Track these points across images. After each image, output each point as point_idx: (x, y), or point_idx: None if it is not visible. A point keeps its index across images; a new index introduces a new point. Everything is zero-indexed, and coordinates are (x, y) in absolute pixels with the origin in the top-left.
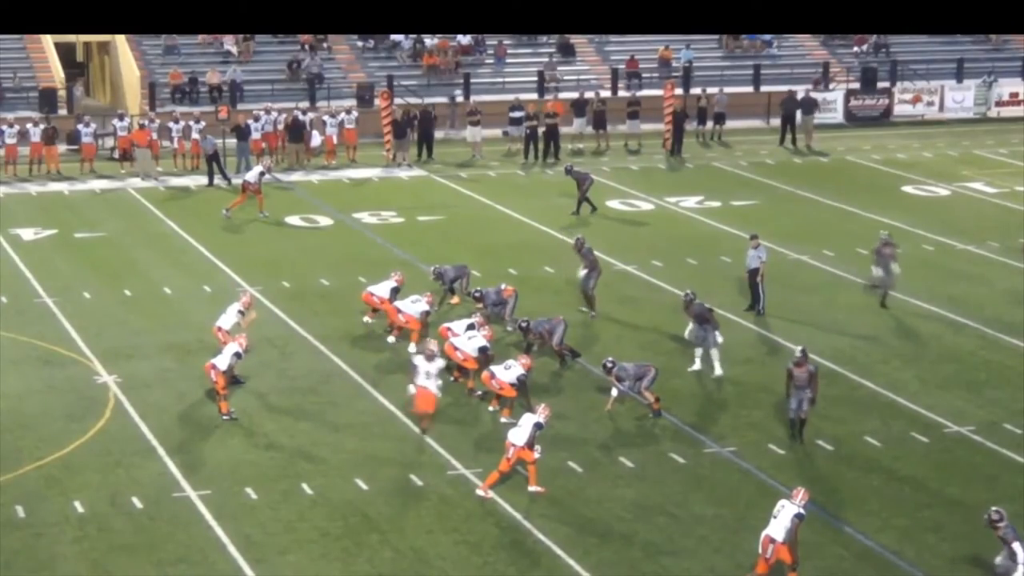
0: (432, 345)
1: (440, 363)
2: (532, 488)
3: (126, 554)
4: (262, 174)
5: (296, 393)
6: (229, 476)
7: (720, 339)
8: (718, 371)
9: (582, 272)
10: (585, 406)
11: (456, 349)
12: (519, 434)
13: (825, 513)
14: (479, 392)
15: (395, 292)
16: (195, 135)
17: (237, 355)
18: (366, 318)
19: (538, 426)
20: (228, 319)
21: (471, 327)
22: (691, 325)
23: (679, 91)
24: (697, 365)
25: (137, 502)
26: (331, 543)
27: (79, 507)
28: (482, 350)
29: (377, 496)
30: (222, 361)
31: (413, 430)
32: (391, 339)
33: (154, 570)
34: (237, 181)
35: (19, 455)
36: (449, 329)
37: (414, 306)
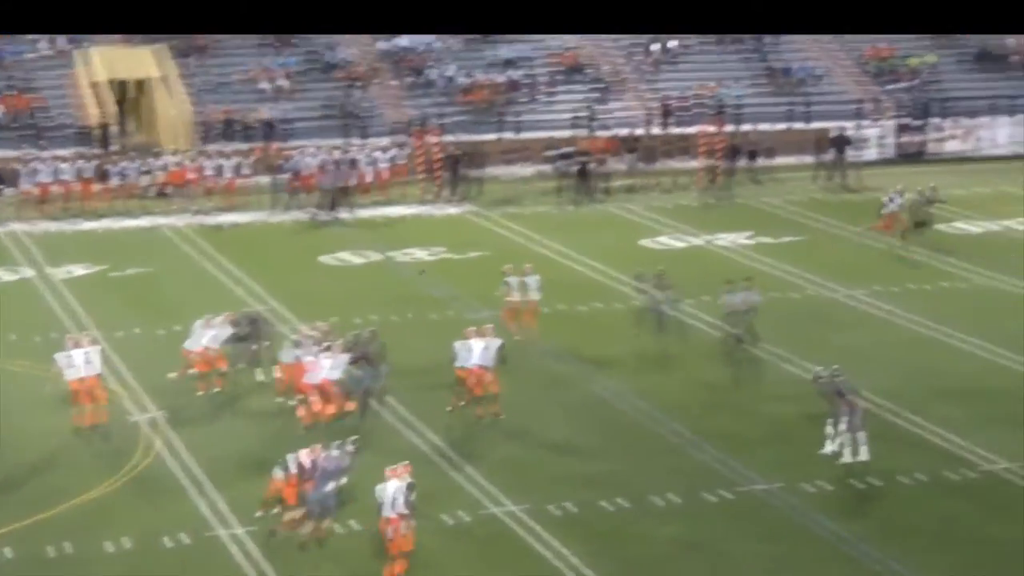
0: None
1: None
2: None
3: None
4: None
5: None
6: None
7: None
8: (863, 456)
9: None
10: (629, 444)
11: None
12: None
13: (871, 550)
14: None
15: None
16: (234, 172)
17: (411, 487)
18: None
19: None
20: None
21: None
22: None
23: (723, 128)
24: (833, 447)
25: (178, 539)
26: None
27: (115, 544)
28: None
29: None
30: (398, 504)
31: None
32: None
33: None
34: (285, 216)
35: (55, 493)
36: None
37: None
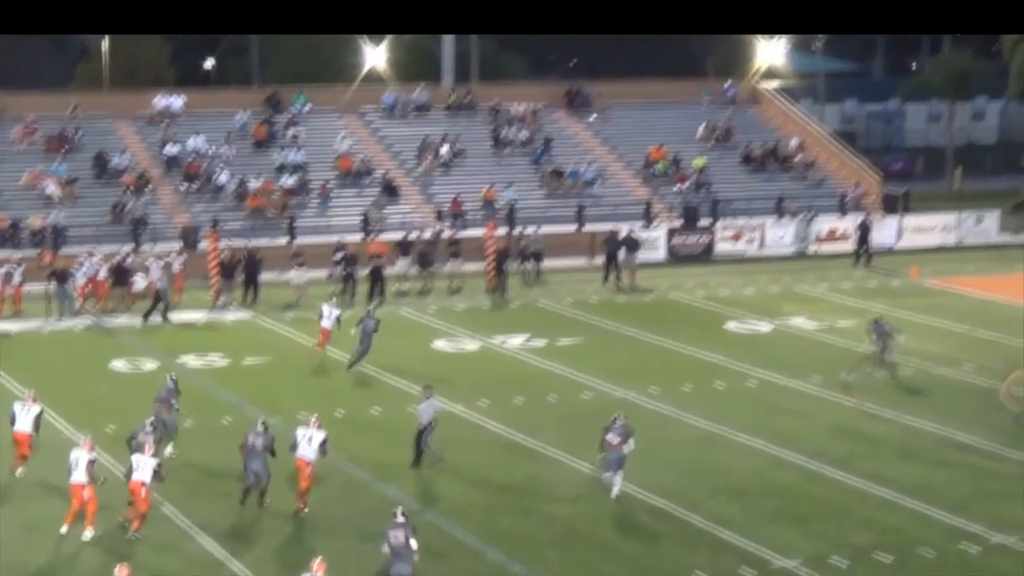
0: None
1: None
2: None
3: None
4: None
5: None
6: None
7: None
8: (614, 494)
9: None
10: (420, 547)
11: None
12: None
13: None
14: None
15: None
16: (17, 279)
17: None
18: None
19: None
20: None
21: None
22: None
23: (502, 230)
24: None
25: None
26: None
27: None
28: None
29: None
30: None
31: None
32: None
33: None
34: (67, 324)
35: None
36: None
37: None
